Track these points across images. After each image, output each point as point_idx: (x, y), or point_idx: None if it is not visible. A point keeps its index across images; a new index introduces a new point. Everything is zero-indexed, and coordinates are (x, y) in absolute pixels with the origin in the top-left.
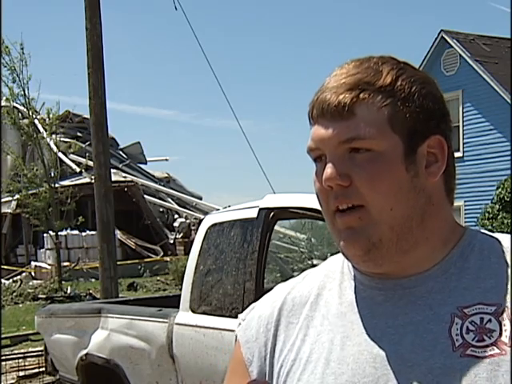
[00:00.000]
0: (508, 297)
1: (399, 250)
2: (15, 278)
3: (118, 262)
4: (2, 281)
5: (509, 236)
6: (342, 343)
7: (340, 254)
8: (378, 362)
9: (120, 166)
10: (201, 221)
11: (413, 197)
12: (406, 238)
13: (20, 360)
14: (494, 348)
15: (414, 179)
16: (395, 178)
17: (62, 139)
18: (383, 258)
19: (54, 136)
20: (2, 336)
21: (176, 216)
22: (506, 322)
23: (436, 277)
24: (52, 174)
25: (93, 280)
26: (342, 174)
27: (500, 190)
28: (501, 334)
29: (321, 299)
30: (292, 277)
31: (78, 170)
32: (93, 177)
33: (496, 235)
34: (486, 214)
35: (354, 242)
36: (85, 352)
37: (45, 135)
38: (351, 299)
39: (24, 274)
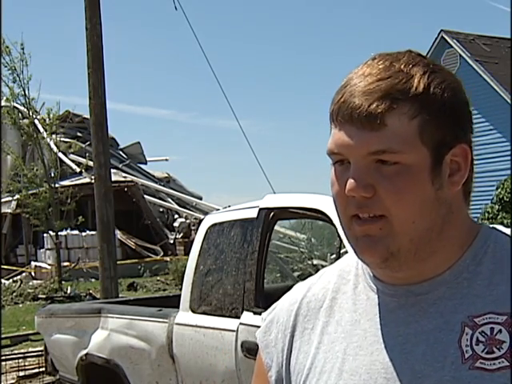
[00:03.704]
0: None
1: (417, 258)
2: (15, 278)
3: (118, 262)
4: (2, 281)
5: None
6: (354, 353)
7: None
8: (389, 372)
9: (120, 166)
10: (201, 221)
11: (435, 209)
12: (423, 249)
13: (20, 360)
14: (504, 361)
15: (438, 191)
16: (421, 192)
17: (62, 139)
18: (401, 266)
19: (54, 136)
20: (2, 336)
21: (176, 216)
22: None
23: (448, 282)
24: (52, 174)
25: (93, 280)
26: (366, 184)
27: (500, 190)
28: (511, 346)
29: (335, 303)
30: (291, 277)
31: (77, 170)
32: (93, 177)
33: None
34: (486, 214)
35: (372, 251)
36: (85, 352)
37: (45, 135)
38: (365, 306)
39: (24, 274)
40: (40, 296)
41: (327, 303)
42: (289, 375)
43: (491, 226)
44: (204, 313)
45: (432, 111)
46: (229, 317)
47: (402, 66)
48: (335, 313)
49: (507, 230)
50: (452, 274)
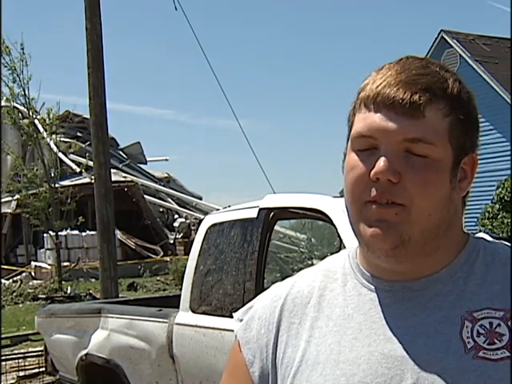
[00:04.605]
0: None
1: (422, 252)
2: (15, 278)
3: (118, 262)
4: (2, 281)
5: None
6: (350, 345)
7: (338, 255)
8: (390, 362)
9: (120, 166)
10: (201, 221)
11: (447, 207)
12: (431, 243)
13: (20, 360)
14: (505, 351)
15: (452, 191)
16: (442, 188)
17: (62, 139)
18: (406, 257)
19: (54, 136)
20: (2, 336)
21: (176, 216)
22: None
23: (444, 280)
24: (52, 174)
25: (93, 280)
26: (394, 170)
27: (500, 189)
28: (511, 338)
29: (323, 300)
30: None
31: (78, 170)
32: (93, 177)
33: (497, 242)
34: (486, 214)
35: (385, 236)
36: (85, 352)
37: (45, 135)
38: (357, 301)
39: (24, 274)
40: (40, 296)
41: (315, 299)
42: (275, 369)
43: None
44: (204, 313)
45: (461, 114)
46: (229, 317)
47: (437, 69)
48: (324, 308)
49: (490, 239)
50: (447, 273)
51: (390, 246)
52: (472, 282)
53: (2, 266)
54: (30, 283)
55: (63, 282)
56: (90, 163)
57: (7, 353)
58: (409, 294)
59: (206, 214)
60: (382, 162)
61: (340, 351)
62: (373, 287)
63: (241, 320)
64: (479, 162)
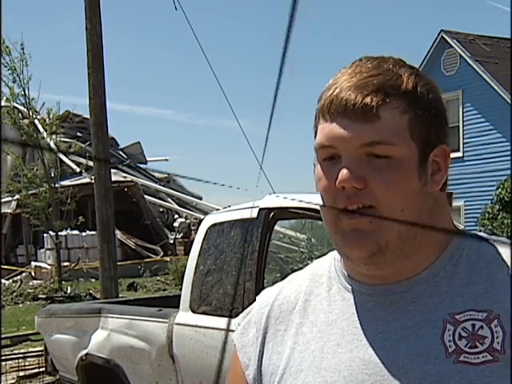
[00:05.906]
0: (498, 303)
1: (402, 255)
2: (15, 278)
3: (118, 262)
4: (2, 281)
5: (505, 239)
6: (333, 351)
7: (325, 258)
8: (370, 368)
9: (120, 166)
10: (201, 221)
11: (422, 201)
12: (409, 244)
13: (20, 360)
14: (487, 355)
15: (423, 187)
16: (410, 186)
17: (62, 139)
18: (386, 262)
19: (54, 136)
20: (2, 336)
21: (176, 216)
22: (498, 329)
23: (426, 281)
24: (52, 174)
25: (93, 280)
26: (358, 176)
27: (500, 190)
28: (493, 341)
29: (308, 305)
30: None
31: (78, 170)
32: (93, 177)
33: (484, 240)
34: (486, 214)
35: (361, 245)
36: (85, 352)
37: (45, 135)
38: (341, 306)
39: (24, 274)
40: (40, 296)
41: (300, 305)
42: (260, 377)
43: (468, 232)
44: (204, 313)
45: (420, 109)
46: (229, 317)
47: (391, 66)
48: (309, 314)
49: (482, 234)
50: (430, 273)
51: (368, 254)
52: (455, 283)
53: (2, 266)
54: (30, 283)
55: (63, 282)
56: (90, 163)
57: (7, 353)
58: (391, 298)
59: (206, 214)
60: (344, 171)
61: (322, 358)
62: (356, 292)
63: (239, 325)
64: (479, 162)
